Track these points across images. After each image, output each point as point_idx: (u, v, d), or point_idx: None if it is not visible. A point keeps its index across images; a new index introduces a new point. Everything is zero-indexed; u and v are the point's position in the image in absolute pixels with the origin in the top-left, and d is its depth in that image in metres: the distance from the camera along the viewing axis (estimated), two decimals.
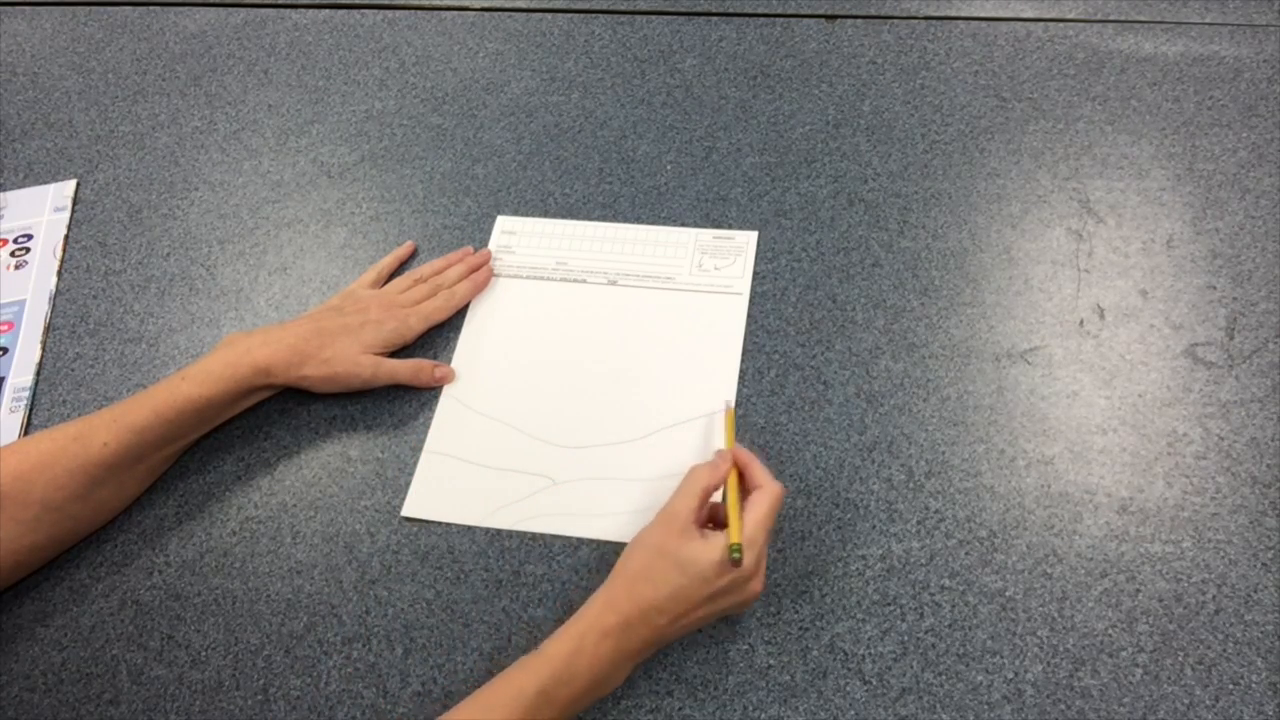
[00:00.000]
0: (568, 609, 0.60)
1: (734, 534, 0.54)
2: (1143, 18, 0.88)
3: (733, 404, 0.67)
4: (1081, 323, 0.70)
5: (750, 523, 0.55)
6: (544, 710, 0.51)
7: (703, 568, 0.53)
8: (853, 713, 0.56)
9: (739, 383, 0.69)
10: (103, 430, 0.62)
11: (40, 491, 0.60)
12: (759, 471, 0.58)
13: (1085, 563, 0.60)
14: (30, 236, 0.84)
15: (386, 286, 0.74)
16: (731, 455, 0.60)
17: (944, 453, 0.65)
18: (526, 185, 0.82)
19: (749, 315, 0.72)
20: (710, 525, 0.59)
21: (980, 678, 0.56)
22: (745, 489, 0.59)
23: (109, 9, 1.02)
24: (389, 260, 0.77)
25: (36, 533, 0.61)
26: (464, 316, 0.75)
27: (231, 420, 0.69)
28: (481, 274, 0.75)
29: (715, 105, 0.86)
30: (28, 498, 0.59)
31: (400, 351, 0.72)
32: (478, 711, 0.51)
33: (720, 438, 0.66)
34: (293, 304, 0.77)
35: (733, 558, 0.53)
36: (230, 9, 1.00)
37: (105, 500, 0.64)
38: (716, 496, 0.59)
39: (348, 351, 0.68)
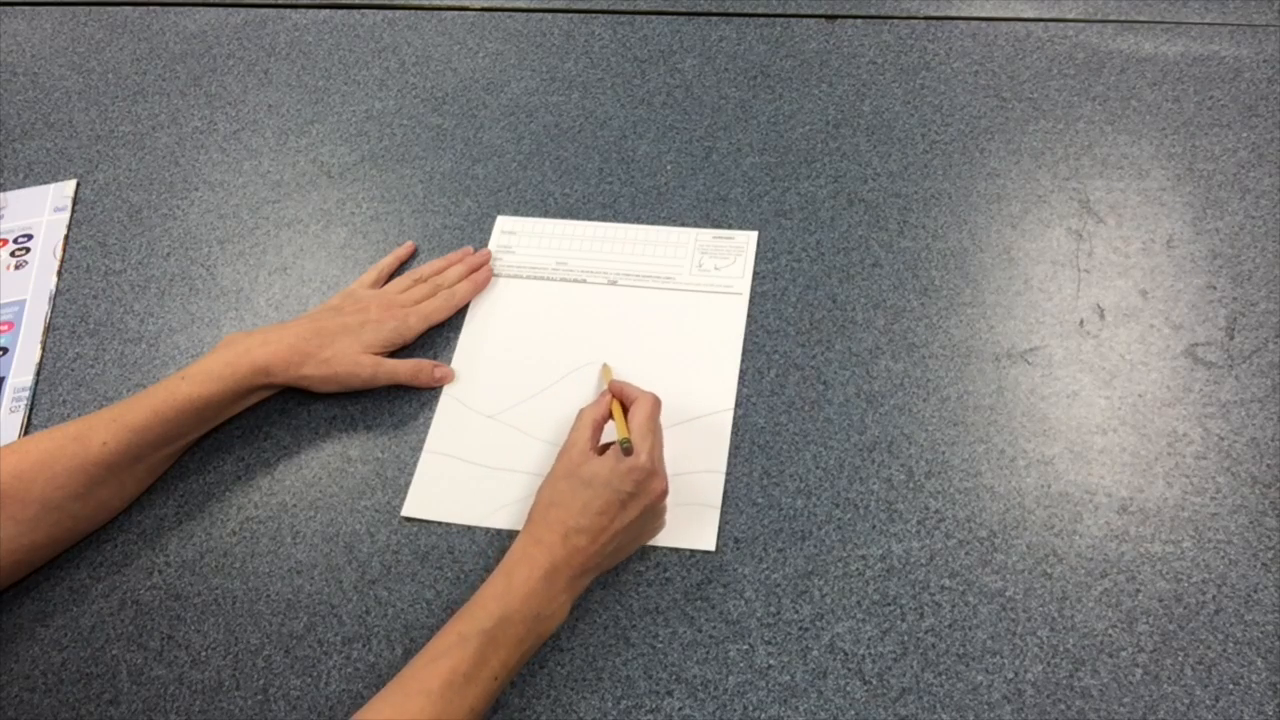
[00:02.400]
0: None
1: (620, 431, 0.60)
2: (1143, 18, 0.88)
3: (608, 364, 0.70)
4: (1081, 323, 0.70)
5: (635, 423, 0.60)
6: (491, 651, 0.53)
7: (604, 476, 0.57)
8: (853, 713, 0.56)
9: (739, 383, 0.69)
10: (102, 430, 0.62)
11: (40, 491, 0.60)
12: (634, 390, 0.63)
13: (1085, 563, 0.60)
14: (30, 236, 0.84)
15: (386, 286, 0.74)
16: (610, 387, 0.65)
17: (944, 453, 0.65)
18: (526, 185, 0.82)
19: (749, 315, 0.72)
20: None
21: (980, 678, 0.56)
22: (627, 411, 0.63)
23: (109, 9, 1.02)
24: (389, 260, 0.77)
25: (36, 532, 0.61)
26: (464, 316, 0.75)
27: (231, 420, 0.69)
28: (481, 274, 0.75)
29: (715, 105, 0.86)
30: (27, 497, 0.59)
31: (400, 351, 0.72)
32: (425, 661, 0.53)
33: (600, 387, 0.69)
34: (293, 304, 0.77)
35: (624, 447, 0.58)
36: (230, 9, 1.00)
37: (105, 500, 0.64)
38: (609, 435, 0.63)
39: (347, 351, 0.68)
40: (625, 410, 0.63)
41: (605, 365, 0.70)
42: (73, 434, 0.61)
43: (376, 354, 0.69)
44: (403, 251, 0.78)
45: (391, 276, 0.77)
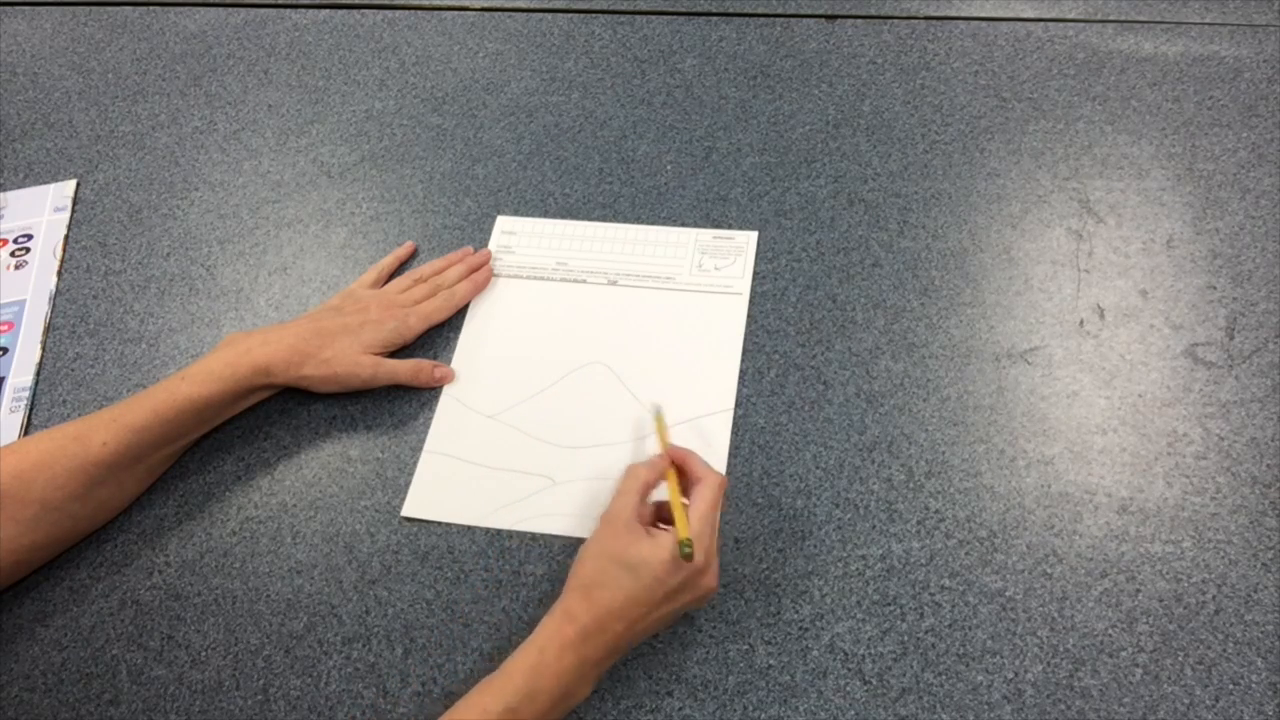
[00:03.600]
0: None
1: (681, 529, 0.54)
2: (1143, 18, 0.88)
3: (661, 409, 0.66)
4: (1081, 323, 0.70)
5: (695, 516, 0.55)
6: None
7: (654, 568, 0.53)
8: (853, 713, 0.56)
9: (739, 383, 0.69)
10: (102, 430, 0.62)
11: (39, 491, 0.60)
12: (698, 464, 0.58)
13: (1085, 563, 0.60)
14: (30, 236, 0.84)
15: (386, 286, 0.74)
16: (668, 453, 0.60)
17: (944, 453, 0.65)
18: (526, 185, 0.82)
19: (749, 315, 0.72)
20: (657, 524, 0.58)
21: (980, 678, 0.56)
22: (686, 485, 0.58)
23: (109, 9, 1.02)
24: (389, 260, 0.77)
25: (36, 532, 0.61)
26: (464, 316, 0.75)
27: (231, 420, 0.69)
28: (481, 274, 0.75)
29: (715, 105, 0.86)
30: (27, 497, 0.59)
31: (400, 351, 0.72)
32: None
33: (654, 444, 0.65)
34: (293, 304, 0.77)
35: (683, 553, 0.53)
36: (230, 9, 1.00)
37: (105, 500, 0.64)
38: (659, 493, 0.59)
39: (347, 351, 0.68)
40: (682, 480, 0.58)
41: (659, 412, 0.65)
42: (72, 434, 0.61)
43: (376, 354, 0.69)
44: (403, 251, 0.78)
45: (391, 276, 0.77)
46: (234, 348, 0.66)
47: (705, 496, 0.56)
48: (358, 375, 0.68)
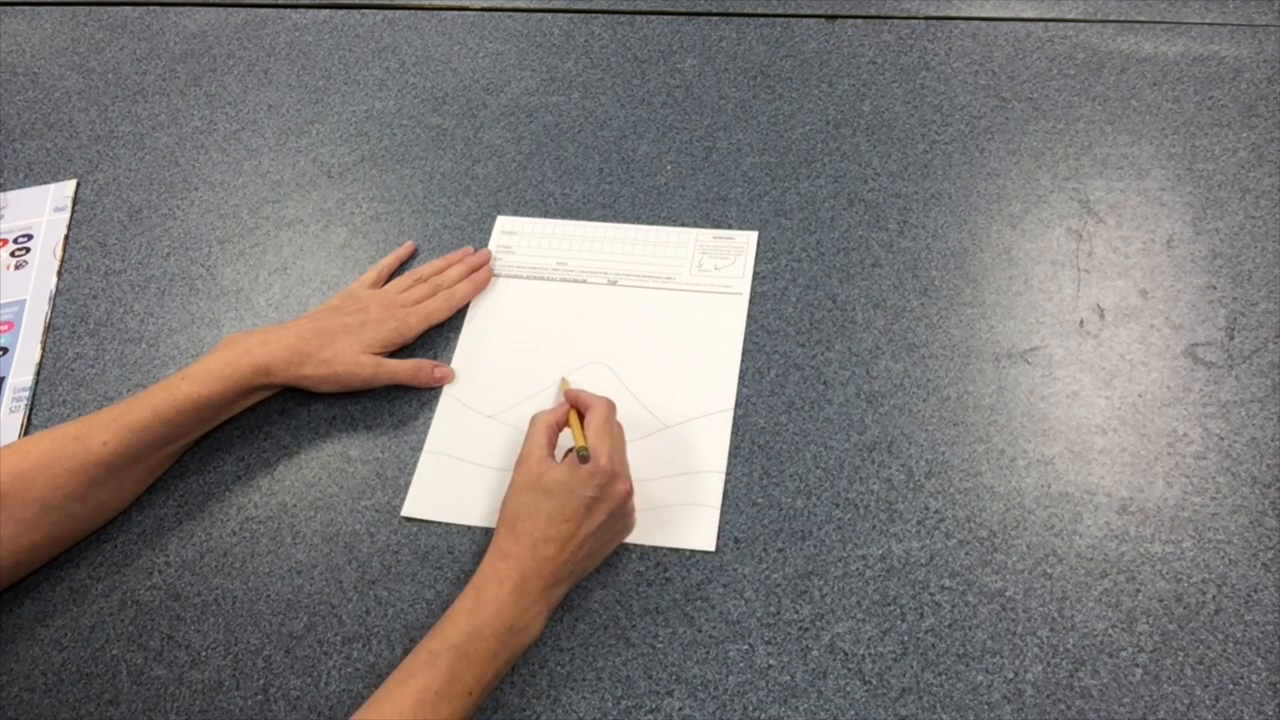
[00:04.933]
0: (566, 608, 0.60)
1: (577, 439, 0.59)
2: (1143, 18, 0.88)
3: (567, 378, 0.70)
4: (1081, 323, 0.70)
5: (591, 428, 0.59)
6: (464, 667, 0.53)
7: (567, 483, 0.57)
8: (853, 713, 0.56)
9: (739, 383, 0.69)
10: (102, 430, 0.62)
11: (39, 491, 0.60)
12: (589, 396, 0.63)
13: (1085, 563, 0.60)
14: (30, 236, 0.84)
15: (386, 286, 0.74)
16: (567, 395, 0.64)
17: (944, 453, 0.65)
18: (526, 185, 0.82)
19: (749, 315, 0.72)
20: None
21: (980, 678, 0.56)
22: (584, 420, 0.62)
23: (109, 9, 1.02)
24: (389, 260, 0.77)
25: (36, 532, 0.61)
26: (464, 316, 0.75)
27: (231, 420, 0.69)
28: (481, 274, 0.75)
29: (715, 105, 0.86)
30: (27, 497, 0.59)
31: (400, 351, 0.72)
32: (398, 681, 0.52)
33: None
34: (293, 304, 0.77)
35: (580, 456, 0.57)
36: (230, 9, 1.00)
37: (105, 500, 0.64)
38: (566, 442, 0.62)
39: (348, 351, 0.68)
40: (581, 418, 0.62)
41: (564, 378, 0.70)
42: (72, 434, 0.61)
43: (376, 354, 0.69)
44: (403, 251, 0.78)
45: (391, 277, 0.77)
46: (234, 348, 0.66)
47: (597, 411, 0.61)
48: (358, 375, 0.68)
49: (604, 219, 0.79)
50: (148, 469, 0.65)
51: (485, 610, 0.54)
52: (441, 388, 0.71)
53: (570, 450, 0.60)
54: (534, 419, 0.62)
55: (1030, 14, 0.89)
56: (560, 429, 0.62)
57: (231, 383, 0.65)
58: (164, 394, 0.64)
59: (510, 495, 0.59)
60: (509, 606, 0.55)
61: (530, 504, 0.57)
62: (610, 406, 0.62)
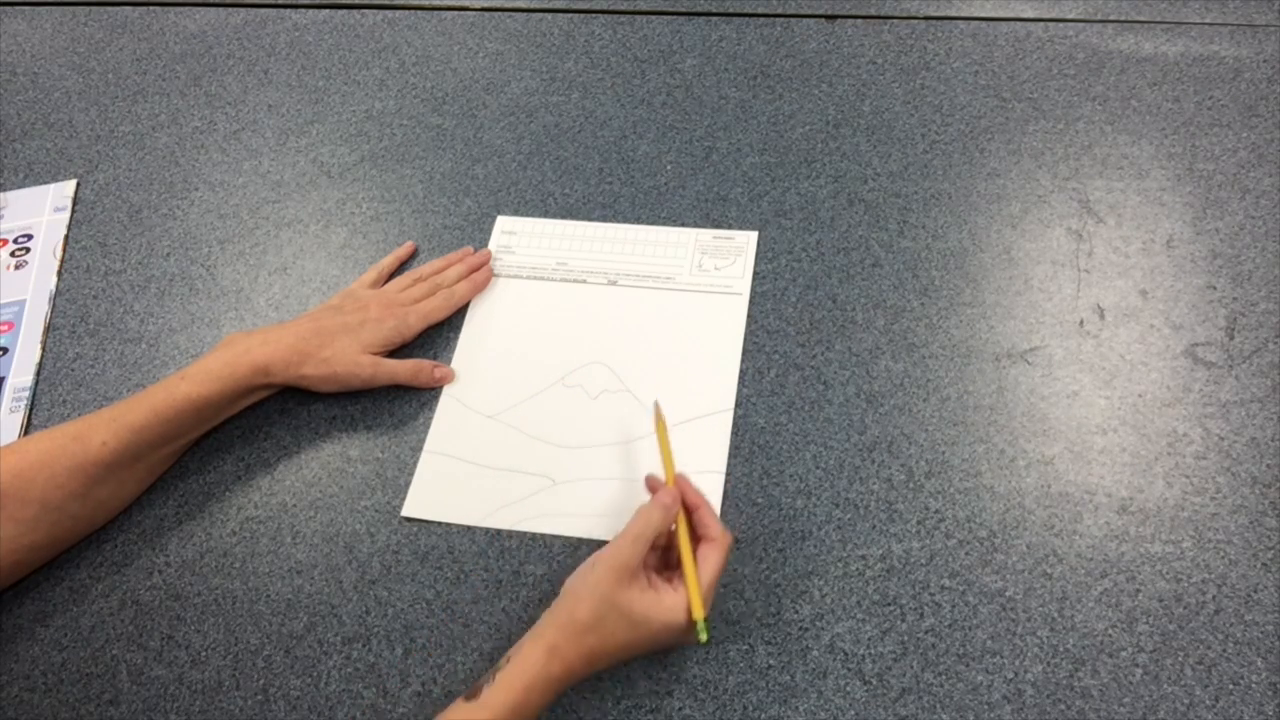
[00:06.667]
0: None
1: (696, 607, 0.53)
2: (1143, 18, 0.88)
3: (660, 405, 0.63)
4: (1081, 323, 0.70)
5: (705, 583, 0.54)
6: None
7: (654, 627, 0.52)
8: (853, 713, 0.56)
9: (739, 383, 0.69)
10: (102, 429, 0.62)
11: (39, 490, 0.60)
12: (709, 517, 0.56)
13: (1085, 563, 0.60)
14: (30, 236, 0.84)
15: (386, 286, 0.74)
16: (679, 495, 0.57)
17: (944, 453, 0.65)
18: (526, 185, 0.82)
19: (749, 315, 0.72)
20: (661, 570, 0.57)
21: (980, 678, 0.56)
22: (694, 535, 0.57)
23: (109, 9, 1.02)
24: (389, 260, 0.77)
25: (36, 532, 0.61)
26: (464, 316, 0.75)
27: (231, 420, 0.69)
28: (481, 274, 0.75)
29: (715, 105, 0.86)
30: (27, 496, 0.59)
31: (400, 351, 0.72)
32: None
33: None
34: (293, 304, 0.77)
35: (700, 637, 0.52)
36: (230, 9, 1.00)
37: (104, 500, 0.64)
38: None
39: (347, 351, 0.68)
40: (690, 520, 0.57)
41: (658, 410, 0.62)
42: (72, 434, 0.61)
43: (376, 353, 0.69)
44: (403, 251, 0.78)
45: (392, 276, 0.77)
46: (233, 348, 0.66)
47: (715, 559, 0.54)
48: (358, 375, 0.68)
49: (604, 219, 0.79)
50: (147, 468, 0.65)
51: (527, 713, 0.51)
52: (442, 388, 0.71)
53: (666, 556, 0.57)
54: (642, 513, 0.55)
55: (1030, 14, 0.89)
56: (662, 540, 0.57)
57: (231, 383, 0.65)
58: (163, 394, 0.64)
59: (590, 593, 0.52)
60: (547, 706, 0.52)
61: (611, 624, 0.52)
62: (729, 549, 0.56)
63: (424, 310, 0.72)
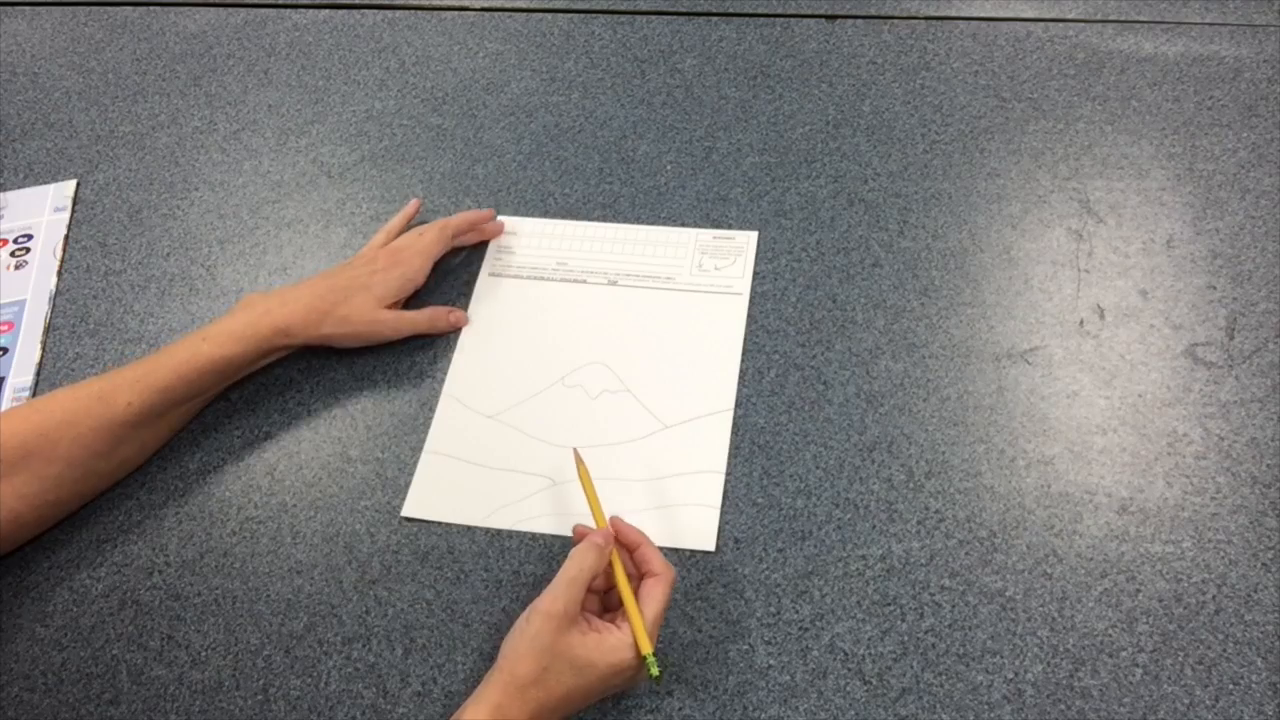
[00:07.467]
0: None
1: (642, 641, 0.52)
2: (1143, 18, 0.88)
3: (579, 452, 0.61)
4: (1081, 323, 0.70)
5: (650, 618, 0.53)
6: None
7: (600, 670, 0.51)
8: (853, 713, 0.56)
9: (739, 383, 0.69)
10: (126, 390, 0.63)
11: (65, 449, 0.61)
12: (650, 553, 0.55)
13: (1085, 563, 0.60)
14: (30, 236, 0.84)
15: (394, 241, 0.75)
16: (611, 534, 0.56)
17: (944, 453, 0.65)
18: (526, 185, 0.82)
19: (749, 315, 0.72)
20: (600, 612, 0.56)
21: (980, 678, 0.56)
22: (637, 572, 0.56)
23: (109, 9, 1.02)
24: (397, 220, 0.77)
25: (60, 489, 0.62)
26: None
27: (232, 419, 0.70)
28: (478, 214, 0.77)
29: (715, 105, 0.86)
30: (53, 454, 0.61)
31: (413, 302, 0.73)
32: None
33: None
34: None
35: (650, 673, 0.51)
36: (230, 9, 1.00)
37: (128, 457, 0.66)
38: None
39: (363, 307, 0.69)
40: (633, 558, 0.56)
41: (575, 451, 0.61)
42: (96, 393, 0.62)
43: (391, 305, 0.70)
44: (409, 209, 0.79)
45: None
46: (253, 309, 0.67)
47: (659, 595, 0.54)
48: (378, 330, 0.70)
49: (604, 219, 0.79)
50: (169, 425, 0.67)
51: None
52: (441, 388, 0.71)
53: (603, 598, 0.56)
54: (575, 556, 0.54)
55: (1030, 14, 0.89)
56: (600, 583, 0.56)
57: (254, 344, 0.66)
58: (187, 354, 0.64)
59: (529, 647, 0.51)
60: None
61: (554, 674, 0.50)
62: (673, 583, 0.55)
63: (420, 247, 0.72)
